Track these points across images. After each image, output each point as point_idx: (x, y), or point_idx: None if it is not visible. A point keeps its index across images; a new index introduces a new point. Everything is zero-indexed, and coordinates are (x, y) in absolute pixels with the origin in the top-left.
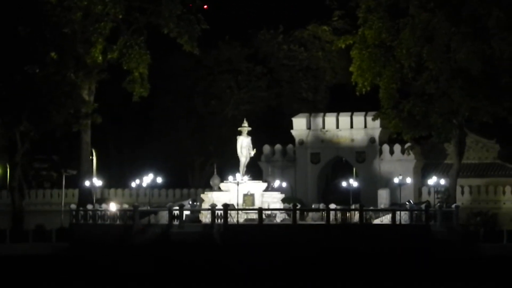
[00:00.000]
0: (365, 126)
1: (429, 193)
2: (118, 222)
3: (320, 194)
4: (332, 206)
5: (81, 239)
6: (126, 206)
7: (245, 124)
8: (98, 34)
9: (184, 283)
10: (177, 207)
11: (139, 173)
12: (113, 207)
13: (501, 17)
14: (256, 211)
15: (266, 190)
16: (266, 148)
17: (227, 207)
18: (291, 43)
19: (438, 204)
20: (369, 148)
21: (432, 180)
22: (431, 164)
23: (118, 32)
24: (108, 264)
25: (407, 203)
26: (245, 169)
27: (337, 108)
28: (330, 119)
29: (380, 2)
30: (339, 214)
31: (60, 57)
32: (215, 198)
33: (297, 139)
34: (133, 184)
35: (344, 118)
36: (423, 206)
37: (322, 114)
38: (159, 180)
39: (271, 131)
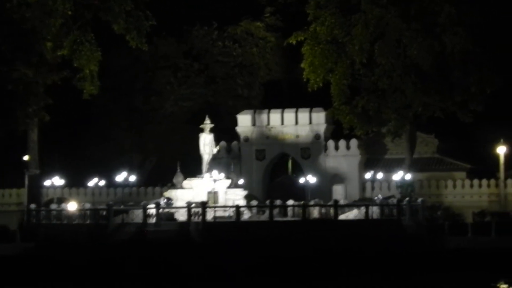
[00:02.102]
0: (310, 122)
1: (372, 188)
2: (88, 221)
3: (265, 191)
4: (290, 202)
5: (47, 239)
6: (87, 205)
7: (208, 121)
8: (48, 30)
9: (168, 282)
10: (152, 205)
11: (83, 172)
12: (72, 206)
13: (452, 13)
14: (225, 208)
15: (229, 187)
16: None
17: (205, 204)
18: (225, 39)
19: (408, 198)
20: (314, 144)
21: (397, 175)
22: (372, 159)
23: (67, 29)
24: (86, 264)
25: (376, 198)
26: (208, 166)
27: (271, 104)
28: (275, 116)
29: None
30: (298, 210)
31: (22, 54)
32: (179, 196)
33: (242, 136)
34: (90, 183)
35: (289, 115)
36: (390, 201)
37: (267, 110)
38: (133, 178)
39: (213, 128)
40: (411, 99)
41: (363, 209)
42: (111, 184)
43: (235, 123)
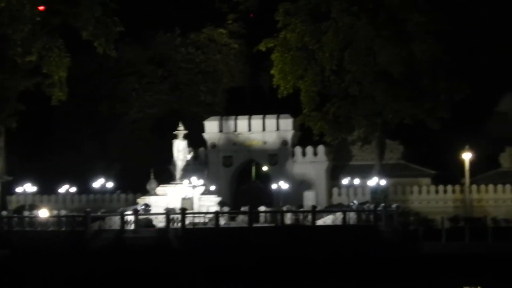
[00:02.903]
0: (278, 129)
1: (339, 194)
2: (64, 228)
3: (233, 197)
4: (262, 208)
5: (22, 246)
6: (63, 212)
7: (181, 127)
8: (17, 36)
9: None
10: (130, 212)
11: (51, 178)
12: (44, 213)
13: (421, 21)
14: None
15: (203, 193)
16: None
17: (184, 211)
18: (188, 46)
19: (384, 204)
20: (281, 151)
21: (372, 181)
22: (338, 165)
23: (36, 35)
24: (64, 271)
25: (351, 203)
26: (182, 172)
27: (234, 111)
28: (242, 122)
29: (299, 6)
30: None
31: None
32: (153, 202)
33: (209, 142)
34: (61, 190)
35: (256, 121)
36: (365, 206)
37: (234, 117)
38: (110, 185)
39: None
40: (381, 105)
41: (339, 214)
42: (81, 190)
43: (200, 129)
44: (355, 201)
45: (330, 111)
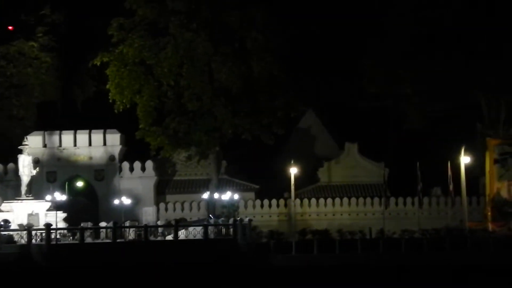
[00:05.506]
0: (105, 144)
1: (166, 209)
2: None
3: None
4: (103, 224)
5: None
6: None
7: (26, 142)
8: None
9: None
10: None
11: None
12: None
13: (259, 39)
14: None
15: (49, 209)
16: None
17: (49, 226)
18: None
19: (239, 218)
20: (108, 166)
21: (226, 196)
22: (163, 180)
23: None
24: None
25: (209, 218)
26: (26, 188)
27: (45, 126)
28: (67, 137)
29: (134, 20)
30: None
31: None
32: None
33: (32, 158)
34: None
35: (82, 136)
36: (220, 220)
37: (58, 131)
38: None
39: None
40: (221, 121)
41: (199, 228)
42: None
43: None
44: (211, 216)
45: (171, 126)
